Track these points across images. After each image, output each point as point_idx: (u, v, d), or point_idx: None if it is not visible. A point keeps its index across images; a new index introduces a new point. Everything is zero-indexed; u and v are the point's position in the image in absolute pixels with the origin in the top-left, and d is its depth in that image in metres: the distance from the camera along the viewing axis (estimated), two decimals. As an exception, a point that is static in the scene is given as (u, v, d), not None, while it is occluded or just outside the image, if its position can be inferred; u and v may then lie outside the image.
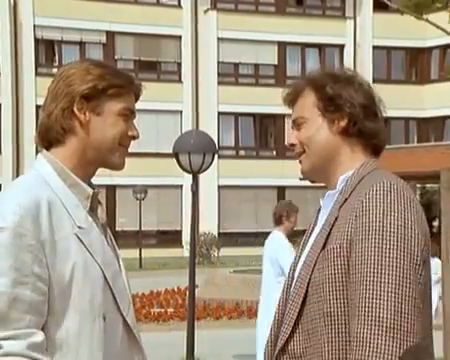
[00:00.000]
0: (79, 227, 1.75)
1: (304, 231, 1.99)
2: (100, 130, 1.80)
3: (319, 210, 1.93)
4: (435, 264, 10.25)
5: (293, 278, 1.88)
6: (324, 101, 1.85)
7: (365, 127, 1.85)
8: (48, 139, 1.82)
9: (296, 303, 1.78)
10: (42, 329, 1.68)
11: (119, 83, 1.81)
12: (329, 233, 1.76)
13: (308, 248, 1.86)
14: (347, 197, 1.78)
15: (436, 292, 9.50)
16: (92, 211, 1.82)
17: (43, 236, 1.69)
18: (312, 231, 1.92)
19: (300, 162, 1.90)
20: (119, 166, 1.85)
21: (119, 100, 1.81)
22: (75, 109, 1.79)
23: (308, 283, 1.76)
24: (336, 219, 1.77)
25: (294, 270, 1.90)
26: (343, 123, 1.84)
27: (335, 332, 1.71)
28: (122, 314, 1.79)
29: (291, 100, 1.92)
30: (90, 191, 1.82)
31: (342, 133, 1.85)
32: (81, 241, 1.74)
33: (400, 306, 1.63)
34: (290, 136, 1.92)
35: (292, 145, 1.90)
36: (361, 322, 1.64)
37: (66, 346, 1.70)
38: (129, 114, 1.84)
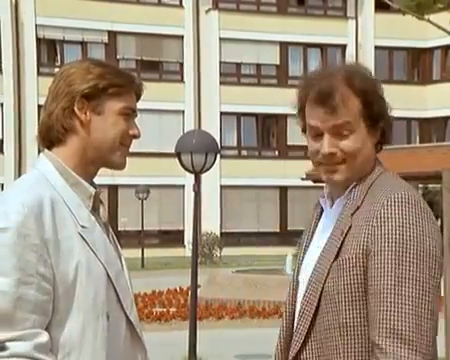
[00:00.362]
0: (82, 226, 1.75)
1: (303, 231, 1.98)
2: (101, 129, 1.80)
3: (321, 211, 1.90)
4: None
5: (298, 281, 1.88)
6: (370, 116, 1.78)
7: (387, 138, 1.84)
8: (49, 138, 1.82)
9: (308, 313, 1.77)
10: (46, 328, 1.68)
11: (120, 82, 1.81)
12: (342, 242, 1.75)
13: (314, 251, 1.85)
14: (359, 205, 1.76)
15: None
16: (94, 210, 1.83)
17: (47, 235, 1.69)
18: (313, 232, 1.90)
19: (334, 171, 1.78)
20: (120, 166, 1.85)
21: (120, 99, 1.81)
22: (76, 109, 1.78)
23: (321, 293, 1.75)
24: (350, 228, 1.75)
25: (298, 273, 1.89)
26: (378, 136, 1.81)
27: (351, 342, 1.72)
28: (125, 312, 1.80)
29: (325, 98, 1.76)
30: (92, 190, 1.82)
31: (375, 146, 1.82)
32: (84, 240, 1.74)
33: (420, 319, 1.66)
34: (326, 143, 1.76)
35: (332, 154, 1.77)
36: (383, 335, 1.66)
37: (70, 345, 1.70)
38: (130, 113, 1.84)
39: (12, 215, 1.67)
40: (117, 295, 1.78)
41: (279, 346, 1.86)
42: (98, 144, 1.81)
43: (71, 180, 1.79)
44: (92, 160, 1.83)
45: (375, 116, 1.78)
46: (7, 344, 1.63)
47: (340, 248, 1.74)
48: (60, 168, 1.79)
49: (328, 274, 1.74)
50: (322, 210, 1.90)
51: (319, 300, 1.75)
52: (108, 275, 1.76)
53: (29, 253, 1.66)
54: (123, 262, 1.87)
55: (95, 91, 1.79)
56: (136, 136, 1.85)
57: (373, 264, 1.69)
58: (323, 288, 1.75)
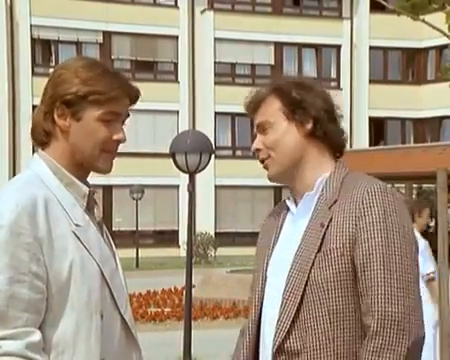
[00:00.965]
0: (76, 225, 1.75)
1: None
2: (80, 136, 1.80)
3: (287, 211, 1.97)
4: None
5: (265, 277, 1.93)
6: (290, 106, 1.92)
7: (329, 129, 1.93)
8: (39, 139, 1.83)
9: (293, 302, 1.82)
10: (39, 327, 1.68)
11: (101, 89, 1.78)
12: (324, 234, 1.83)
13: (286, 246, 1.90)
14: (337, 198, 1.86)
15: None
16: (89, 210, 1.82)
17: (40, 234, 1.69)
18: (280, 230, 1.96)
19: (266, 168, 1.96)
20: (105, 171, 1.84)
21: (100, 106, 1.79)
22: (55, 115, 1.79)
23: (305, 283, 1.81)
24: (330, 220, 1.83)
25: (266, 269, 1.94)
26: (309, 126, 1.92)
27: (341, 328, 1.80)
28: (120, 311, 1.79)
29: (254, 108, 1.98)
30: (86, 190, 1.82)
31: (308, 136, 1.93)
32: (78, 238, 1.74)
33: (407, 300, 1.76)
34: (255, 141, 1.99)
35: (257, 150, 1.97)
36: (373, 315, 1.75)
37: (63, 344, 1.70)
38: (114, 118, 1.82)
39: (5, 214, 1.68)
40: (112, 294, 1.78)
41: (247, 337, 1.93)
42: (80, 149, 1.81)
43: (65, 180, 1.79)
44: (80, 162, 1.83)
45: (293, 106, 1.92)
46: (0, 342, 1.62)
47: (322, 240, 1.82)
48: (53, 168, 1.80)
49: (313, 265, 1.81)
50: (287, 212, 1.98)
51: (304, 290, 1.82)
52: (102, 274, 1.76)
53: (22, 252, 1.66)
54: (118, 261, 1.87)
55: (75, 98, 1.78)
56: (120, 140, 1.83)
57: (361, 251, 1.80)
58: (308, 278, 1.81)
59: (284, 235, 1.95)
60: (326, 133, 1.93)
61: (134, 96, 1.86)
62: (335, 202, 1.85)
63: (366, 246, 1.79)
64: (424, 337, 1.80)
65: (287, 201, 1.98)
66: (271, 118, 1.94)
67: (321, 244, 1.82)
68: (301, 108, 1.91)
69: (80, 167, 1.83)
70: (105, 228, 1.90)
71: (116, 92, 1.80)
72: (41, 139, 1.82)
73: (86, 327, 1.71)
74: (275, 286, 1.89)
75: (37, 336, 1.66)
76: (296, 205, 1.95)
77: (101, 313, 1.74)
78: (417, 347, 1.77)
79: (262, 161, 1.97)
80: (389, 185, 1.88)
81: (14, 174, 26.51)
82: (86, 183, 1.85)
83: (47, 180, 1.77)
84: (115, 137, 1.82)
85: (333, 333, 1.79)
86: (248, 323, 1.96)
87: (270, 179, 1.98)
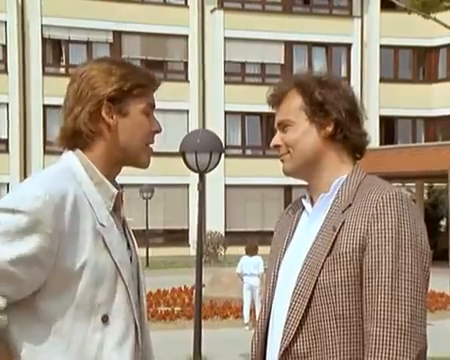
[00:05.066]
0: (101, 224, 1.76)
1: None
2: (128, 131, 1.81)
3: (302, 210, 1.95)
4: None
5: (277, 276, 1.92)
6: (312, 106, 1.89)
7: (351, 132, 1.91)
8: (75, 142, 1.81)
9: (301, 304, 1.81)
10: (40, 307, 1.69)
11: (142, 82, 1.81)
12: (335, 238, 1.81)
13: (298, 247, 1.89)
14: (351, 202, 1.83)
15: None
16: (115, 212, 1.83)
17: (61, 227, 1.69)
18: (295, 229, 1.94)
19: (282, 161, 1.94)
20: (146, 165, 1.87)
21: (142, 99, 1.82)
22: (103, 113, 1.79)
23: (314, 286, 1.80)
24: (343, 224, 1.81)
25: (278, 268, 1.93)
26: (330, 128, 1.89)
27: (347, 333, 1.78)
28: (133, 313, 1.79)
29: (276, 101, 1.96)
30: (114, 191, 1.82)
31: (328, 138, 1.90)
32: (102, 238, 1.75)
33: (415, 310, 1.74)
34: (274, 138, 1.95)
35: (276, 146, 1.94)
36: (380, 325, 1.73)
37: (58, 335, 1.70)
38: (152, 110, 1.86)
39: (30, 200, 1.67)
40: (128, 296, 1.78)
41: (257, 336, 1.92)
42: (125, 145, 1.81)
43: (95, 179, 1.80)
44: (118, 161, 1.84)
45: (318, 106, 1.88)
46: None
47: (333, 243, 1.81)
48: (86, 165, 1.80)
49: (322, 268, 1.80)
50: (302, 210, 1.96)
51: (312, 293, 1.80)
52: (121, 276, 1.76)
53: (36, 239, 1.66)
54: (139, 265, 1.87)
55: (120, 94, 1.79)
56: (158, 131, 1.88)
57: (370, 258, 1.77)
58: (317, 281, 1.80)
59: (298, 235, 1.93)
60: (347, 136, 1.90)
61: (158, 84, 1.90)
62: (349, 206, 1.83)
63: (375, 253, 1.77)
64: (427, 348, 1.78)
65: (303, 200, 1.95)
66: (292, 117, 1.91)
67: (332, 248, 1.81)
68: (322, 110, 1.88)
69: (115, 167, 1.84)
70: (129, 228, 1.91)
71: (152, 83, 1.85)
72: (85, 141, 1.80)
73: (83, 325, 1.71)
74: (285, 286, 1.88)
75: (3, 302, 1.67)
76: (312, 204, 1.93)
77: (105, 316, 1.73)
78: (423, 356, 1.75)
79: (280, 156, 1.95)
80: (405, 192, 1.85)
81: (25, 173, 26.63)
82: (114, 183, 1.85)
83: (79, 176, 1.77)
84: (153, 129, 1.86)
85: (339, 338, 1.78)
86: (258, 321, 1.95)
87: (285, 173, 1.97)
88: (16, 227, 1.66)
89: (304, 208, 1.95)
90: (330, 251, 1.80)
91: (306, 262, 1.83)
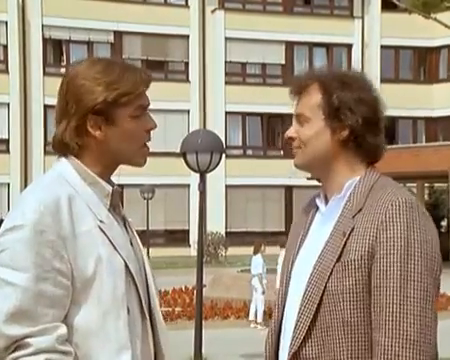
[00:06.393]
0: (101, 221, 1.76)
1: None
2: (117, 139, 1.80)
3: (316, 209, 1.93)
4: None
5: (290, 278, 1.91)
6: (329, 107, 1.85)
7: (365, 141, 1.86)
8: (65, 151, 1.82)
9: (310, 310, 1.80)
10: (67, 319, 1.70)
11: (128, 90, 1.79)
12: (345, 243, 1.79)
13: (311, 248, 1.87)
14: (361, 207, 1.80)
15: None
16: (113, 209, 1.83)
17: (63, 231, 1.70)
18: (309, 229, 1.92)
19: (294, 155, 1.92)
20: (141, 165, 1.87)
21: (130, 105, 1.80)
22: (88, 127, 1.78)
23: (323, 292, 1.79)
24: (352, 229, 1.79)
25: (291, 270, 1.91)
26: (344, 134, 1.85)
27: (354, 341, 1.76)
28: (143, 308, 1.80)
29: (297, 92, 1.92)
30: (109, 189, 1.82)
31: (341, 143, 1.86)
32: (105, 234, 1.75)
33: (425, 320, 1.72)
34: (290, 129, 1.92)
35: (291, 138, 1.91)
36: (389, 335, 1.71)
37: (87, 331, 1.71)
38: (143, 111, 1.83)
39: (28, 213, 1.69)
40: (137, 291, 1.79)
41: (270, 338, 1.91)
42: (116, 151, 1.81)
43: (89, 179, 1.80)
44: (111, 164, 1.84)
45: (334, 110, 1.84)
46: (29, 340, 1.65)
47: (343, 249, 1.78)
48: (78, 168, 1.80)
49: (331, 274, 1.78)
50: (316, 210, 1.93)
51: (321, 298, 1.79)
52: (129, 270, 1.77)
53: (45, 249, 1.68)
54: (146, 261, 1.88)
55: (105, 105, 1.77)
56: (153, 128, 1.86)
57: (378, 266, 1.75)
58: (325, 287, 1.78)
59: (311, 237, 1.91)
60: (360, 145, 1.85)
61: (149, 82, 1.86)
62: (359, 211, 1.80)
63: (384, 262, 1.74)
64: (437, 357, 1.76)
65: (317, 199, 1.93)
66: (309, 113, 1.87)
67: (341, 254, 1.78)
68: (339, 114, 1.84)
69: (109, 169, 1.84)
70: (130, 225, 1.91)
71: (140, 87, 1.81)
72: (74, 153, 1.80)
73: (113, 319, 1.72)
74: (296, 289, 1.87)
75: (64, 329, 1.69)
76: (326, 202, 1.91)
77: (128, 308, 1.75)
78: None
79: (293, 148, 1.92)
80: (414, 198, 1.79)
81: (26, 173, 26.65)
82: (110, 181, 1.86)
83: (71, 179, 1.78)
84: (148, 127, 1.84)
85: (348, 344, 1.76)
86: (271, 323, 1.94)
87: (295, 166, 1.95)
88: (24, 244, 1.68)
89: (318, 208, 1.93)
90: (339, 257, 1.78)
91: (316, 267, 1.82)
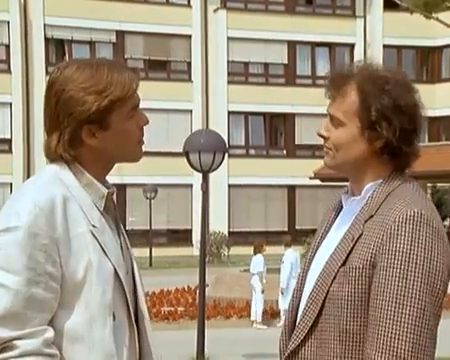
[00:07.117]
0: (93, 226, 1.76)
1: (313, 230, 1.97)
2: (113, 142, 1.80)
3: (341, 208, 1.90)
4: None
5: (307, 274, 1.89)
6: (367, 119, 1.79)
7: (400, 152, 1.82)
8: (51, 160, 1.81)
9: (312, 312, 1.80)
10: (53, 322, 1.71)
11: (120, 94, 1.77)
12: (352, 248, 1.77)
13: (326, 249, 1.86)
14: (373, 214, 1.77)
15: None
16: (107, 212, 1.83)
17: (57, 234, 1.70)
18: (328, 230, 1.91)
19: (326, 153, 1.86)
20: (137, 160, 1.87)
21: (123, 107, 1.79)
22: (83, 137, 1.77)
23: (326, 295, 1.78)
24: (360, 235, 1.76)
25: (307, 269, 1.90)
26: (379, 144, 1.80)
27: (349, 349, 1.74)
28: (130, 315, 1.80)
29: (333, 87, 1.84)
30: (105, 191, 1.82)
31: (375, 152, 1.81)
32: (96, 239, 1.75)
33: (418, 338, 1.66)
34: (323, 125, 1.86)
35: (322, 136, 1.85)
36: (379, 349, 1.68)
37: (74, 334, 1.72)
38: (135, 110, 1.82)
39: (23, 215, 1.69)
40: (125, 297, 1.79)
41: (283, 335, 1.90)
42: (112, 152, 1.81)
43: (84, 181, 1.79)
44: (106, 165, 1.84)
45: (369, 120, 1.78)
46: (16, 342, 1.65)
47: (349, 254, 1.76)
48: (73, 169, 1.79)
49: (334, 278, 1.77)
50: (341, 208, 1.91)
51: (323, 302, 1.78)
52: (118, 276, 1.77)
53: (38, 253, 1.68)
54: (134, 263, 1.87)
55: (98, 113, 1.75)
56: (146, 123, 1.85)
57: (378, 278, 1.72)
58: (328, 291, 1.77)
59: (329, 236, 1.90)
60: (396, 155, 1.81)
61: (138, 79, 1.83)
62: (371, 217, 1.77)
63: (383, 274, 1.70)
64: None
65: (343, 196, 1.90)
66: (345, 118, 1.81)
67: (346, 259, 1.76)
68: (376, 126, 1.78)
69: (105, 169, 1.84)
70: (122, 229, 1.91)
71: (130, 88, 1.80)
72: (68, 162, 1.78)
73: (100, 326, 1.73)
74: (308, 288, 1.86)
75: (51, 333, 1.69)
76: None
77: (114, 314, 1.75)
78: None
79: (325, 146, 1.87)
80: (428, 212, 1.74)
81: (28, 173, 26.67)
82: (105, 182, 1.85)
83: (66, 180, 1.77)
84: (141, 124, 1.84)
85: (341, 352, 1.74)
86: (286, 319, 1.93)
87: (325, 165, 1.90)
88: (17, 247, 1.67)
89: (342, 206, 1.90)
90: (344, 262, 1.76)
91: (323, 269, 1.80)
